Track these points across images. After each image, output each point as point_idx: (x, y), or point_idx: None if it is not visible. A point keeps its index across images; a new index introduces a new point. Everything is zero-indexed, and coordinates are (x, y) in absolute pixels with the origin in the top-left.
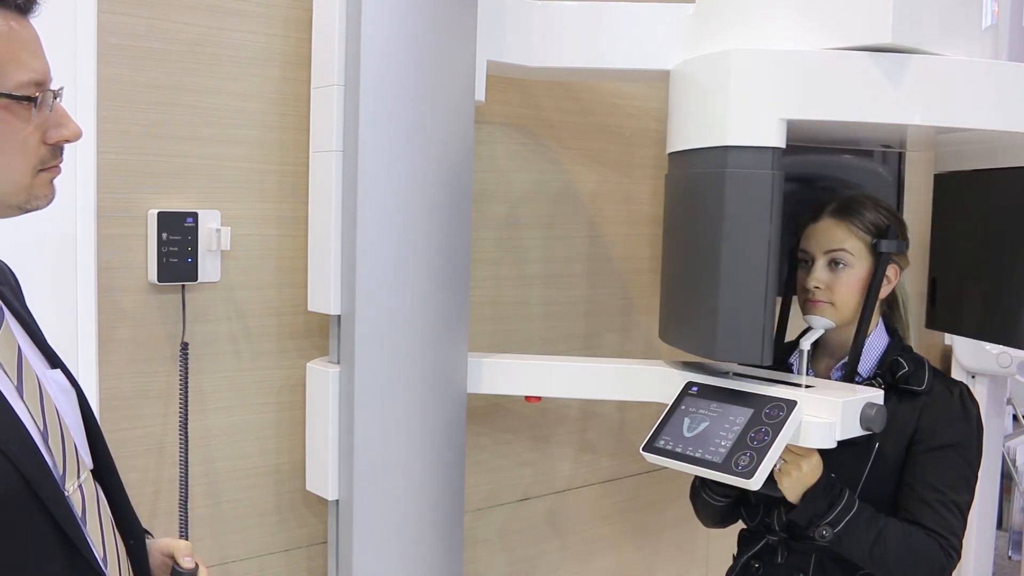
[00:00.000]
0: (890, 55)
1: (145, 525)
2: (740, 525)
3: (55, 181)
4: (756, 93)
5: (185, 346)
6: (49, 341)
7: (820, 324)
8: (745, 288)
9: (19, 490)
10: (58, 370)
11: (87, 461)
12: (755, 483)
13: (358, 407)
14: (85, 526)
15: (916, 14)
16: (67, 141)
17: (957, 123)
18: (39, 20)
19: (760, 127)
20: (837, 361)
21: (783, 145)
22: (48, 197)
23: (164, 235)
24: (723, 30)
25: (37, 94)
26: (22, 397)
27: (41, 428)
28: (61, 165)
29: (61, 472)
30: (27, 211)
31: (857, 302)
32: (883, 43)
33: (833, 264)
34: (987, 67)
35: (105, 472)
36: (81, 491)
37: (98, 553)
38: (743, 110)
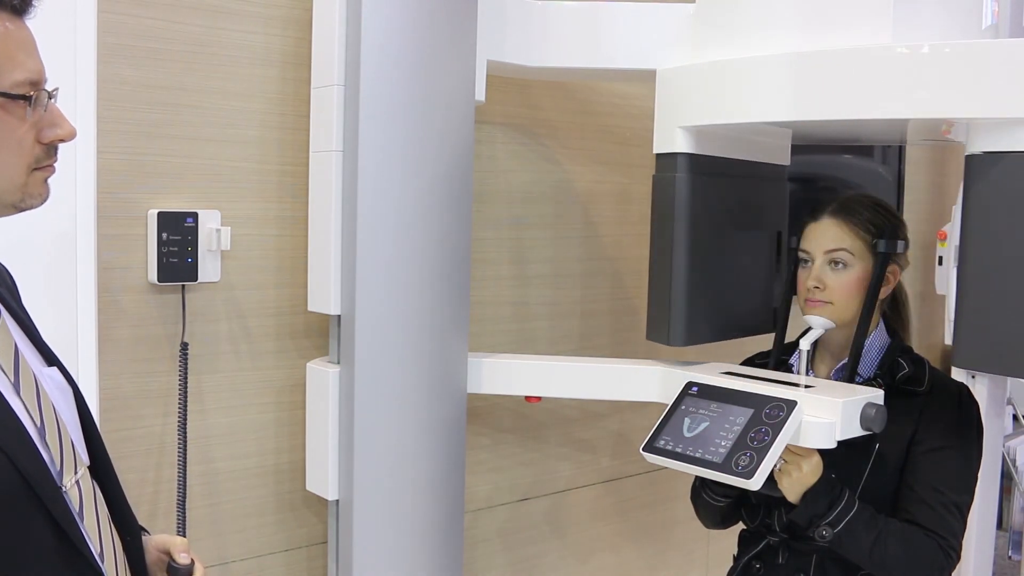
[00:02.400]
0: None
1: (145, 525)
2: (741, 525)
3: (49, 180)
4: (665, 106)
5: (185, 346)
6: (46, 340)
7: (820, 324)
8: (660, 278)
9: (16, 486)
10: (55, 368)
11: (84, 458)
12: (755, 483)
13: (358, 407)
14: (82, 522)
15: (917, 14)
16: (61, 141)
17: (841, 116)
18: (40, 20)
19: (669, 136)
20: (837, 361)
21: (688, 151)
22: (42, 196)
23: (164, 235)
24: (722, 30)
25: (32, 93)
26: (19, 394)
27: (38, 424)
28: (55, 164)
29: (59, 468)
30: (22, 210)
31: (857, 302)
32: (884, 43)
33: (833, 264)
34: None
35: (102, 469)
36: (78, 487)
37: (95, 549)
38: (659, 121)
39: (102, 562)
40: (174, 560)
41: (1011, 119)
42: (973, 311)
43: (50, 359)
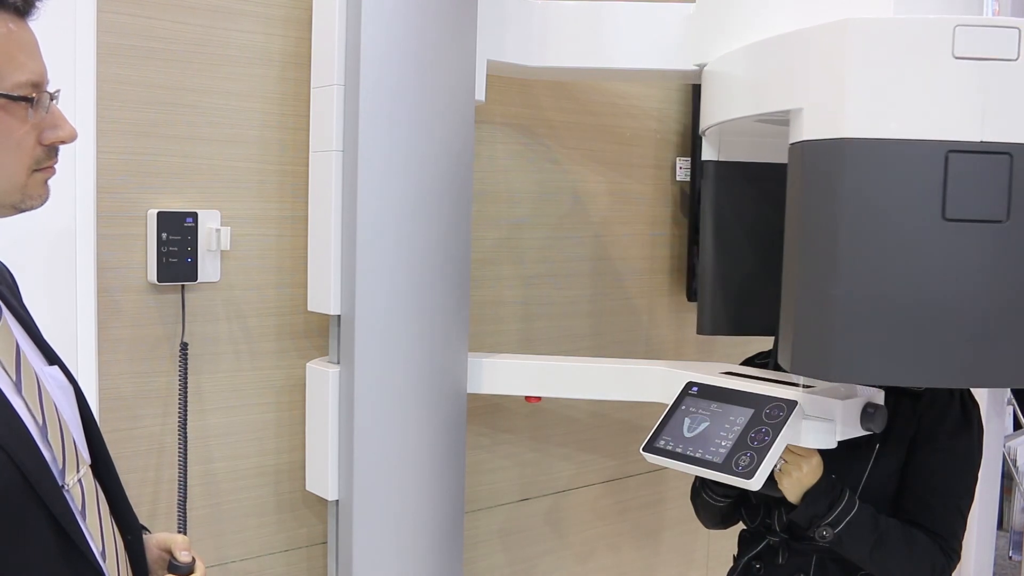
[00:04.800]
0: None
1: (144, 525)
2: (741, 526)
3: (49, 182)
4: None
5: (184, 346)
6: (46, 339)
7: None
8: (700, 273)
9: (17, 485)
10: (56, 367)
11: (85, 456)
12: (755, 483)
13: (358, 407)
14: (84, 520)
15: (917, 7)
16: (62, 142)
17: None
18: (40, 20)
19: (705, 144)
20: None
21: (711, 159)
22: (43, 197)
23: (164, 235)
24: (722, 30)
25: (34, 95)
26: (20, 393)
27: (40, 423)
28: (56, 166)
29: (60, 467)
30: (22, 211)
31: None
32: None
33: None
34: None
35: (103, 468)
36: (80, 486)
37: (96, 548)
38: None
39: (104, 561)
40: (175, 558)
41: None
42: (788, 309)
43: (51, 358)
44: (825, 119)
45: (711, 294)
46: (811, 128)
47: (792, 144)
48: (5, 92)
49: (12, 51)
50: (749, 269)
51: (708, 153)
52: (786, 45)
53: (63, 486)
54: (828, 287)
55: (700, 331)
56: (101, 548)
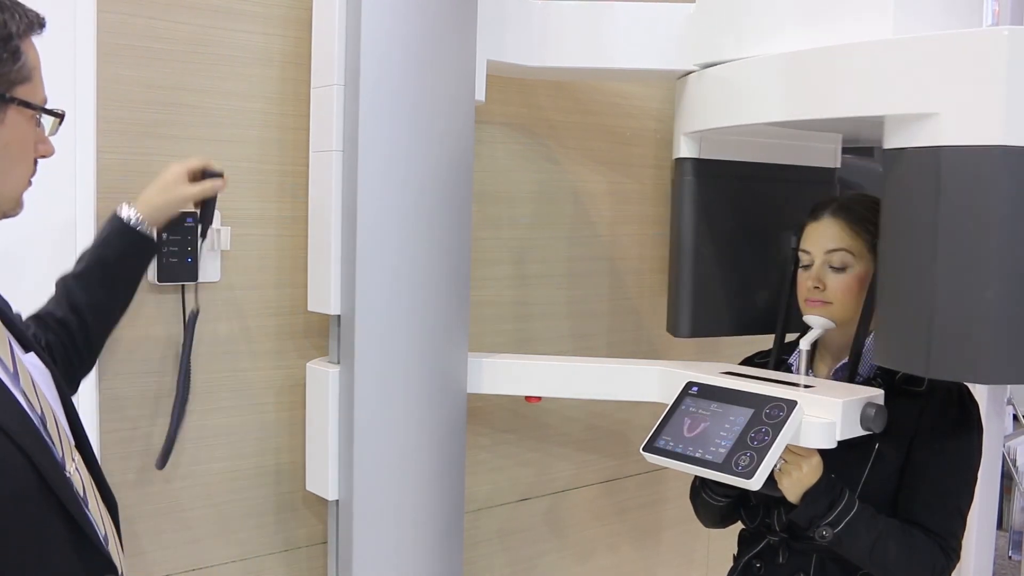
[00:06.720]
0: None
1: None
2: (740, 525)
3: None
4: (678, 113)
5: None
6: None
7: (819, 324)
8: (672, 274)
9: (34, 481)
10: (32, 353)
11: (71, 439)
12: (755, 483)
13: (358, 407)
14: (87, 507)
15: (917, 13)
16: (45, 157)
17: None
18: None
19: (678, 142)
20: (837, 361)
21: (692, 156)
22: (22, 207)
23: (164, 235)
24: (722, 29)
25: (62, 111)
26: (19, 385)
27: (39, 414)
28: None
29: (60, 456)
30: (7, 218)
31: (857, 302)
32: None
33: (833, 264)
34: None
35: (81, 446)
36: (79, 473)
37: (100, 532)
38: (675, 128)
39: (106, 544)
40: (209, 169)
41: (918, 114)
42: (887, 307)
43: (27, 345)
44: (971, 125)
45: (692, 294)
46: (953, 134)
47: (912, 148)
48: (49, 108)
49: (40, 70)
50: (726, 269)
51: (686, 150)
52: (916, 48)
53: (68, 477)
54: (979, 290)
55: (673, 332)
56: (104, 533)
